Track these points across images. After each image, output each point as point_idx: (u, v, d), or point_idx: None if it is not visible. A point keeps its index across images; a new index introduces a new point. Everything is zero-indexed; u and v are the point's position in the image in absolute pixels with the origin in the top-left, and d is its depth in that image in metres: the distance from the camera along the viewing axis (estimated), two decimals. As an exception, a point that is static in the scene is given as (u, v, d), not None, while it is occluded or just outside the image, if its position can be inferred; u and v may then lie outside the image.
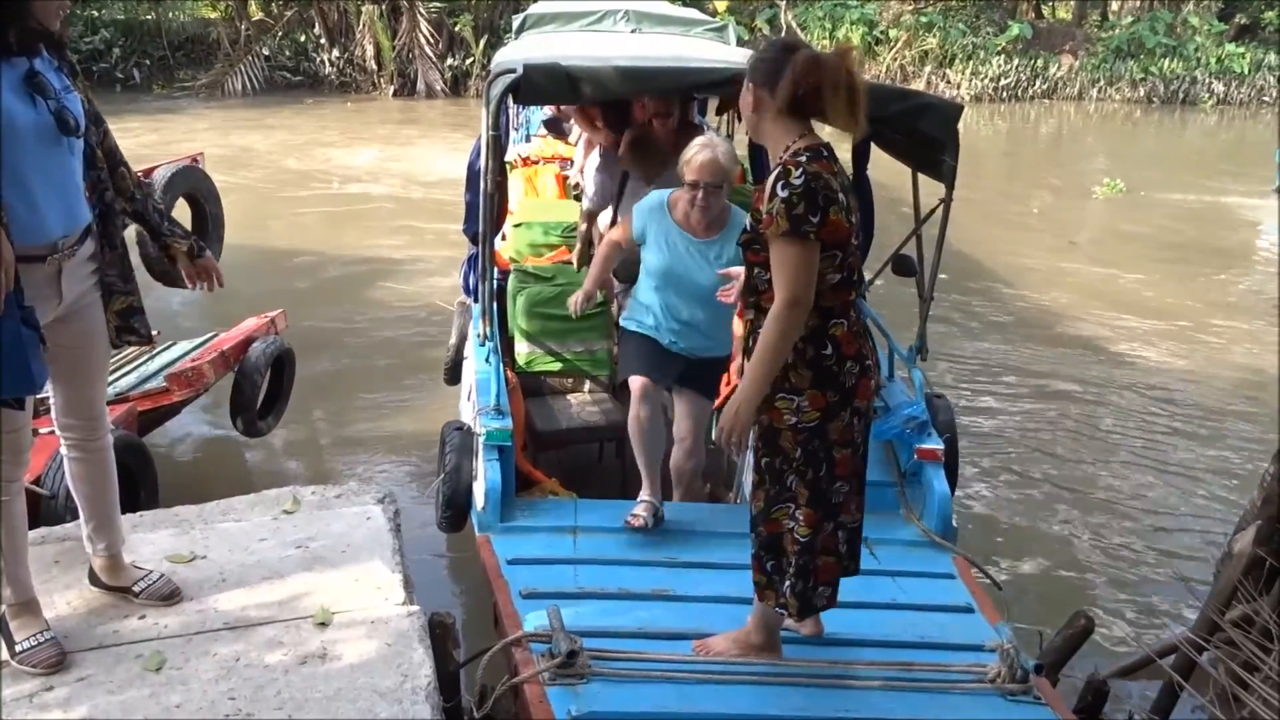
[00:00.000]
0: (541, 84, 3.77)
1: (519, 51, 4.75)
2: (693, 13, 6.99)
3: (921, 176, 4.26)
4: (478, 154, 4.50)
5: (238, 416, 4.85)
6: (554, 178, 6.30)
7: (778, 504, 2.71)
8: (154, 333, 2.85)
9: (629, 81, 3.91)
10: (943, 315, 7.76)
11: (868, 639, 3.06)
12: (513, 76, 3.66)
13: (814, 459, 2.64)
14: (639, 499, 3.61)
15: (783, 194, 2.47)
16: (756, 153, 6.54)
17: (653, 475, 3.65)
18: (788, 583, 2.73)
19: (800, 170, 2.49)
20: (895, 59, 21.64)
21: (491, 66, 4.42)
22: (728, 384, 4.12)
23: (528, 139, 7.53)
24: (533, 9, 6.12)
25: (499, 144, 3.95)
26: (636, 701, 2.68)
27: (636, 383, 3.72)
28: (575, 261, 4.83)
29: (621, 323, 3.93)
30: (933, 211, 4.09)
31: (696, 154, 3.60)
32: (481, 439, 3.62)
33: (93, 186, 2.54)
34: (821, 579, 2.76)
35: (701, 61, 4.42)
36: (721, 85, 4.11)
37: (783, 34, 21.41)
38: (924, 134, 3.82)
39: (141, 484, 3.98)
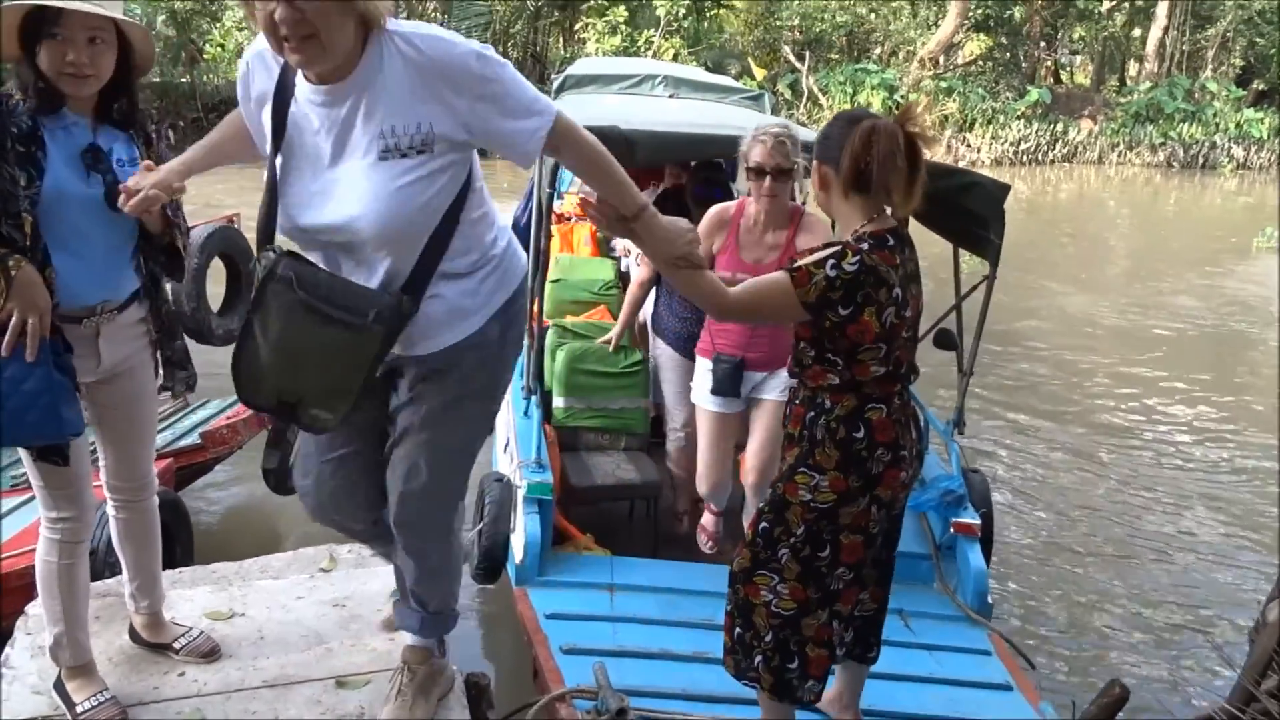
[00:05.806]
0: None
1: (567, 112, 4.78)
2: (728, 80, 7.09)
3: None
4: (524, 210, 4.48)
5: (270, 475, 4.86)
6: (589, 234, 6.35)
7: (763, 569, 2.56)
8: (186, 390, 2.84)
9: (685, 147, 3.94)
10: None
11: (908, 713, 3.02)
12: None
13: (816, 540, 2.50)
14: None
15: (830, 273, 2.32)
16: None
17: None
18: (759, 657, 2.58)
19: (858, 259, 2.32)
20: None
21: None
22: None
23: (560, 196, 7.63)
24: (571, 70, 6.21)
25: (551, 202, 3.93)
26: None
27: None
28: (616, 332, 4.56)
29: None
30: (975, 288, 4.04)
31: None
32: (522, 492, 3.62)
33: (148, 255, 2.53)
34: (812, 670, 2.58)
35: None
36: None
37: (804, 98, 21.72)
38: (970, 211, 3.77)
39: (177, 540, 3.99)
